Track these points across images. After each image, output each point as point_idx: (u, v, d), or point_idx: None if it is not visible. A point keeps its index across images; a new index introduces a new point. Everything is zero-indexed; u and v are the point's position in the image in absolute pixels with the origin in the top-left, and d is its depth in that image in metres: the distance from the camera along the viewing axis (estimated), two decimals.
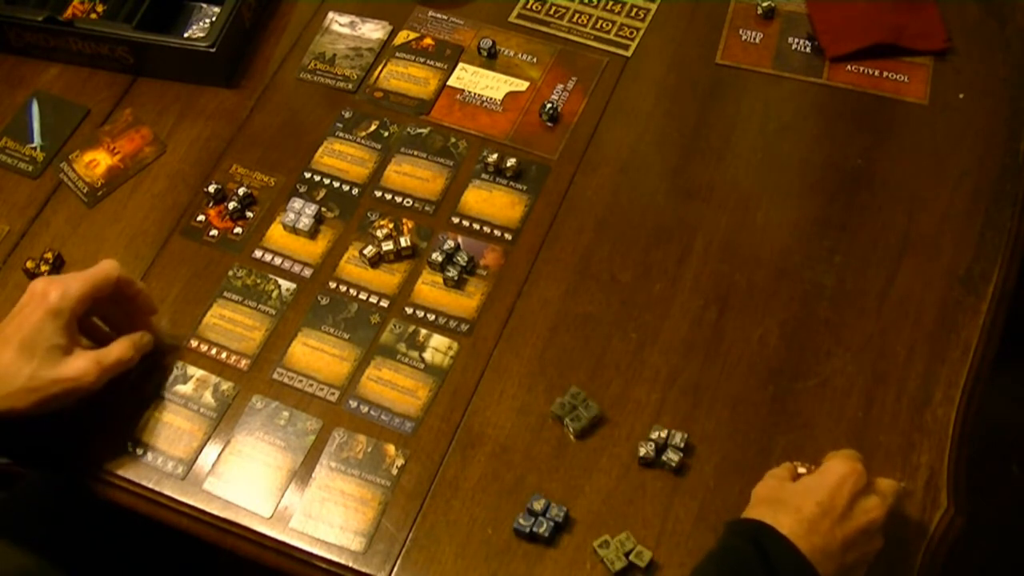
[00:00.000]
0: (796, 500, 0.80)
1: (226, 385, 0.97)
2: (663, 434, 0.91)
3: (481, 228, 1.05)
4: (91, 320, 0.94)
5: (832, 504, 0.79)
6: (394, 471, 0.92)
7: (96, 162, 1.12)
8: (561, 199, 1.07)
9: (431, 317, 1.00)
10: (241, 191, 1.08)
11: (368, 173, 1.10)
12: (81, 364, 0.87)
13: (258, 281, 1.03)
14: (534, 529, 0.87)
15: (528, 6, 1.22)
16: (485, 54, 1.18)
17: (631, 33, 1.19)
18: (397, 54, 1.19)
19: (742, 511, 0.88)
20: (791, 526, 0.78)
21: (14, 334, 0.86)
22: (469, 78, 1.17)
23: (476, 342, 0.98)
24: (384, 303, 1.01)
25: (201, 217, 1.08)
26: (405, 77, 1.17)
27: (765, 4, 1.18)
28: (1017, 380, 1.45)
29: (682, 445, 0.90)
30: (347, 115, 1.14)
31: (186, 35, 1.21)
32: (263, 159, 1.12)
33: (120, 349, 0.91)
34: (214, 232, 1.07)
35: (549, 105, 1.12)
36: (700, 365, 0.96)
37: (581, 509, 0.89)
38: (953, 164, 1.06)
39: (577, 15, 1.21)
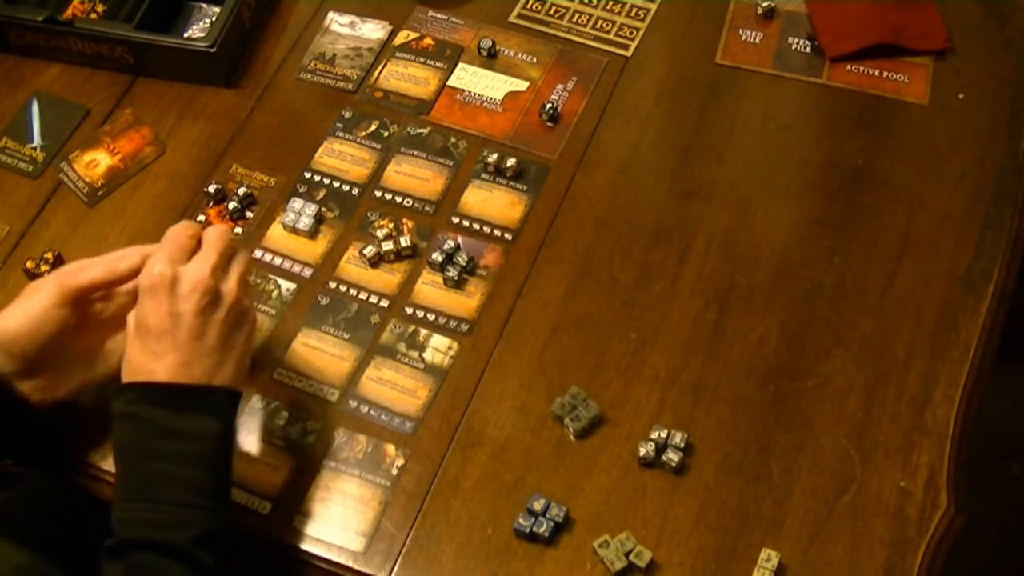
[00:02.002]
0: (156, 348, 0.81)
1: None
2: (663, 434, 0.91)
3: (481, 228, 1.05)
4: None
5: (160, 324, 0.81)
6: (394, 471, 0.92)
7: (96, 162, 1.12)
8: (561, 199, 1.07)
9: (431, 317, 1.00)
10: (241, 191, 1.08)
11: (368, 173, 1.10)
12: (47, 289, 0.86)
13: (258, 281, 1.03)
14: (534, 529, 0.87)
15: (528, 6, 1.22)
16: (485, 54, 1.18)
17: (631, 33, 1.19)
18: (397, 54, 1.19)
19: (742, 511, 0.88)
20: (165, 372, 0.80)
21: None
22: (469, 78, 1.17)
23: (476, 342, 0.98)
24: (384, 303, 1.01)
25: (201, 217, 1.08)
26: (405, 77, 1.17)
27: (765, 4, 1.18)
28: (1017, 380, 1.45)
29: (682, 445, 0.90)
30: (347, 115, 1.14)
31: (186, 35, 1.21)
32: (263, 159, 1.12)
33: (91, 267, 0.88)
34: None
35: (549, 105, 1.12)
36: (700, 365, 0.96)
37: (581, 509, 0.89)
38: (953, 164, 1.06)
39: (577, 15, 1.21)
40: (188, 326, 0.81)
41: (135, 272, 0.86)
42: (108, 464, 0.93)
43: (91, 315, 0.89)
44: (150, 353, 0.81)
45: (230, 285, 0.85)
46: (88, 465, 0.94)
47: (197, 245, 0.86)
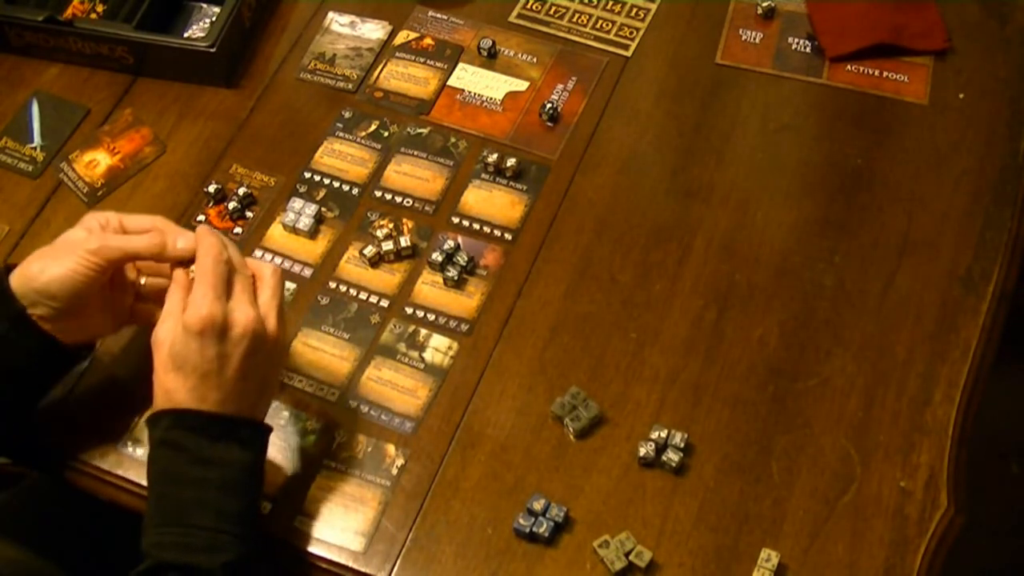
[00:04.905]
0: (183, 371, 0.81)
1: None
2: (663, 434, 0.91)
3: (481, 228, 1.05)
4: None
5: (206, 366, 0.81)
6: (394, 471, 0.92)
7: (96, 162, 1.12)
8: (561, 199, 1.07)
9: (431, 317, 1.00)
10: (241, 191, 1.08)
11: (368, 173, 1.10)
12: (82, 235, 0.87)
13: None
14: (534, 529, 0.87)
15: (528, 6, 1.22)
16: (485, 54, 1.18)
17: (631, 33, 1.19)
18: (397, 54, 1.19)
19: (742, 511, 0.88)
20: (187, 400, 0.81)
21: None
22: (469, 78, 1.17)
23: (476, 342, 0.98)
24: (384, 303, 1.01)
25: (201, 217, 1.08)
26: (405, 77, 1.17)
27: (765, 4, 1.18)
28: (1017, 380, 1.45)
29: (682, 445, 0.90)
30: (347, 115, 1.14)
31: (186, 35, 1.21)
32: (263, 159, 1.12)
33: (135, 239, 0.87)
34: None
35: (549, 105, 1.12)
36: (700, 365, 0.96)
37: (581, 509, 0.89)
38: (953, 164, 1.06)
39: (577, 15, 1.21)
40: (234, 369, 0.82)
41: (179, 258, 0.86)
42: (108, 464, 0.93)
43: (122, 277, 0.91)
44: (191, 390, 0.81)
45: (272, 324, 0.85)
46: (87, 465, 0.93)
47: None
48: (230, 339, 0.82)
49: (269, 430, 0.86)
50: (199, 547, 0.78)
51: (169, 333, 0.82)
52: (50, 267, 0.84)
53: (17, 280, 0.84)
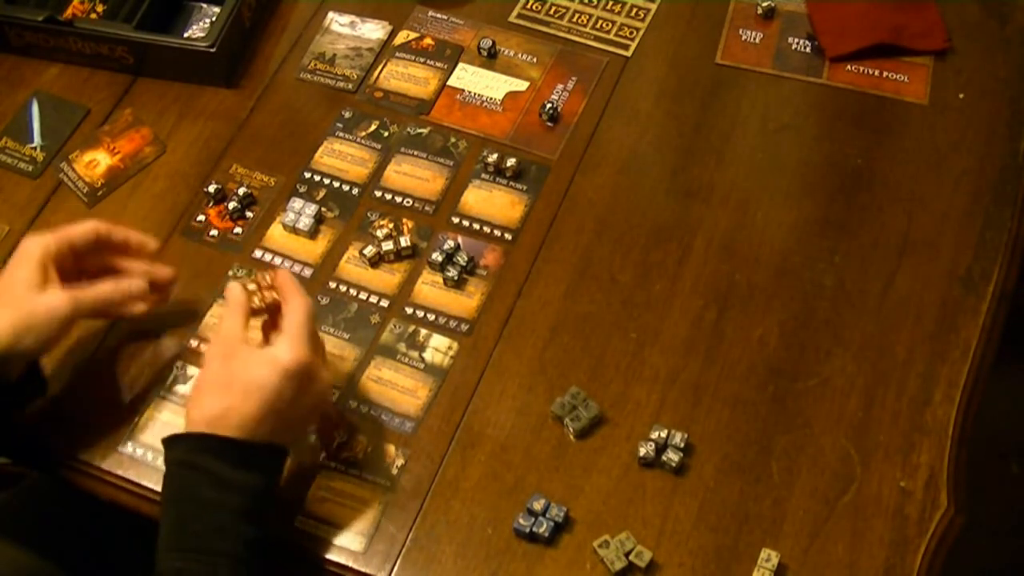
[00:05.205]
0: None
1: None
2: (663, 434, 0.91)
3: (481, 228, 1.05)
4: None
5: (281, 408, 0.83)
6: (394, 471, 0.92)
7: (96, 162, 1.12)
8: (561, 199, 1.07)
9: (431, 317, 1.00)
10: (241, 191, 1.08)
11: (368, 173, 1.10)
12: (55, 296, 0.87)
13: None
14: (534, 529, 0.87)
15: (528, 6, 1.22)
16: (485, 54, 1.18)
17: (631, 33, 1.19)
18: (397, 54, 1.19)
19: (742, 511, 0.88)
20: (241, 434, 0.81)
21: None
22: (469, 78, 1.17)
23: (476, 342, 0.98)
24: (384, 303, 1.01)
25: (201, 217, 1.08)
26: (405, 77, 1.17)
27: (765, 4, 1.18)
28: (1017, 380, 1.45)
29: (682, 445, 0.90)
30: (347, 115, 1.14)
31: (186, 35, 1.21)
32: (263, 159, 1.12)
33: (101, 287, 0.91)
34: (214, 232, 1.07)
35: (549, 105, 1.12)
36: (700, 365, 0.96)
37: (581, 509, 0.89)
38: (953, 164, 1.06)
39: (577, 15, 1.21)
40: (280, 398, 0.83)
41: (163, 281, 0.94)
42: (108, 464, 0.93)
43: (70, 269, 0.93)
44: (250, 417, 0.82)
45: (326, 373, 0.87)
46: (87, 465, 0.93)
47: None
48: (308, 385, 0.84)
49: (287, 453, 0.86)
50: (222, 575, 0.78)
51: (264, 367, 0.83)
52: (23, 339, 0.86)
53: None
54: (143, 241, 0.97)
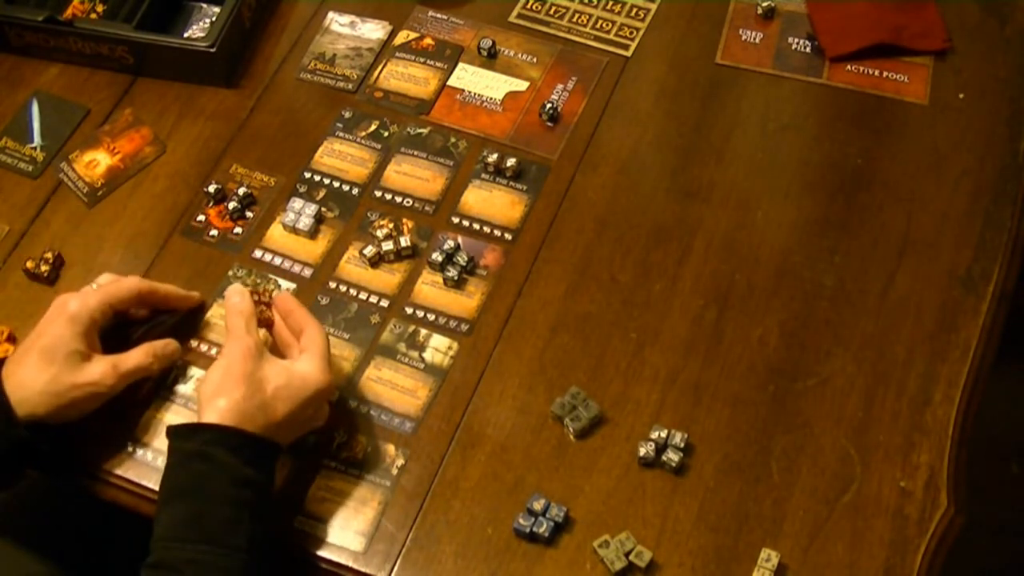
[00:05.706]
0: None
1: None
2: (663, 434, 0.91)
3: (481, 228, 1.05)
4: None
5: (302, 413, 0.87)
6: (394, 471, 0.92)
7: (96, 162, 1.12)
8: (561, 199, 1.07)
9: (431, 317, 1.00)
10: (241, 191, 1.08)
11: (368, 173, 1.10)
12: (99, 368, 0.89)
13: (258, 281, 1.03)
14: (534, 529, 0.87)
15: (528, 6, 1.22)
16: (485, 54, 1.18)
17: (631, 33, 1.19)
18: (397, 54, 1.19)
19: (742, 511, 0.88)
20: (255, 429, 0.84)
21: (35, 341, 0.88)
22: (469, 78, 1.17)
23: (476, 342, 0.98)
24: (384, 303, 1.01)
25: (201, 217, 1.08)
26: (405, 77, 1.17)
27: (765, 4, 1.18)
28: (1017, 380, 1.45)
29: (682, 445, 0.90)
30: (347, 115, 1.14)
31: (186, 35, 1.21)
32: (263, 159, 1.12)
33: (138, 356, 0.92)
34: (214, 232, 1.07)
35: (549, 105, 1.12)
36: (700, 365, 0.96)
37: (581, 509, 0.89)
38: (953, 164, 1.06)
39: (577, 15, 1.21)
40: (302, 410, 0.87)
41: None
42: (108, 464, 0.93)
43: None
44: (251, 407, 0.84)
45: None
46: (87, 465, 0.93)
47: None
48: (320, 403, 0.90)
49: (281, 449, 0.87)
50: (235, 570, 0.78)
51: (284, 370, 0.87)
52: (66, 413, 0.88)
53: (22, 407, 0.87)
54: (184, 297, 0.99)
